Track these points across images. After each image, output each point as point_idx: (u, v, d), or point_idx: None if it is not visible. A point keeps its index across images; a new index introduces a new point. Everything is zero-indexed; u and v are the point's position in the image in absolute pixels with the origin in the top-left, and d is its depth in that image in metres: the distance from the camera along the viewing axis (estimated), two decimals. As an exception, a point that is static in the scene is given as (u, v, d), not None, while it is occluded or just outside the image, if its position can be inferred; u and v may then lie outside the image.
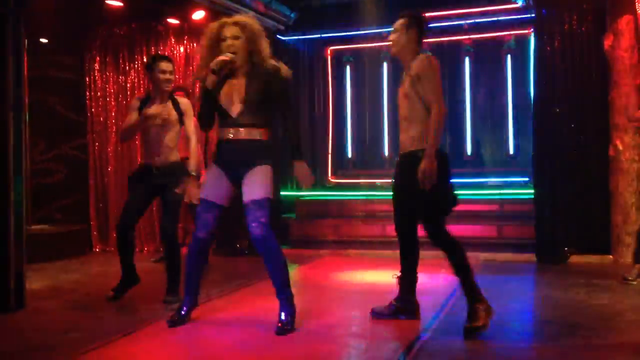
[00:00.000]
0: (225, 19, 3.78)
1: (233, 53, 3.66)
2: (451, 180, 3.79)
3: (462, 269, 3.68)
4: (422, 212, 3.77)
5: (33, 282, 4.83)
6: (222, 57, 3.63)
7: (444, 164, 3.72)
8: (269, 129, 3.79)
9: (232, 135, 3.72)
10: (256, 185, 3.64)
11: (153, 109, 4.53)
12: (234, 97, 3.72)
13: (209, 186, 3.84)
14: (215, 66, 3.60)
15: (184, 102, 4.74)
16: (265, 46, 3.71)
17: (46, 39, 7.61)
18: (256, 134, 3.71)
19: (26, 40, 4.67)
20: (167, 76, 4.57)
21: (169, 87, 4.63)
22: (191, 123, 4.67)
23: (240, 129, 3.71)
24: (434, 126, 3.67)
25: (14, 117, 4.47)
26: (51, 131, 7.72)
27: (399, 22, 3.93)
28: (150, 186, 4.62)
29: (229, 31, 3.69)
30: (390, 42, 3.98)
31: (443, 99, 3.76)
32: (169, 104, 4.63)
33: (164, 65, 4.56)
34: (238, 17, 3.83)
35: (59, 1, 6.63)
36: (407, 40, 3.89)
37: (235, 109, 3.71)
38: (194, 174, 4.54)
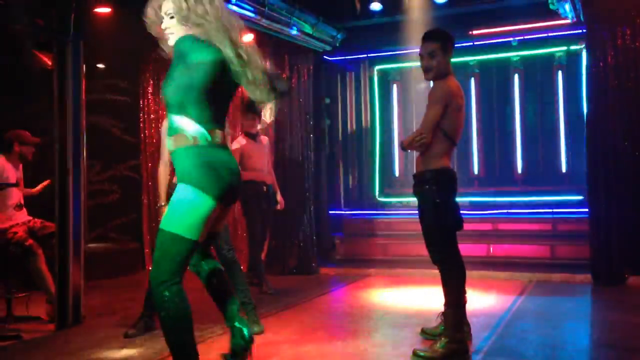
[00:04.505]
0: None
1: None
2: (455, 201, 3.76)
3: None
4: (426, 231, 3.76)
5: (89, 298, 4.97)
6: None
7: (451, 182, 3.76)
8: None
9: None
10: None
11: None
12: None
13: None
14: None
15: None
16: None
17: (102, 64, 7.89)
18: None
19: (84, 66, 4.86)
20: None
21: None
22: None
23: None
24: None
25: (73, 140, 4.66)
26: (107, 153, 7.93)
27: (434, 45, 3.68)
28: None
29: None
30: (426, 68, 3.73)
31: (430, 129, 3.69)
32: None
33: None
34: None
35: (115, 27, 6.87)
36: (445, 63, 3.70)
37: None
38: None
